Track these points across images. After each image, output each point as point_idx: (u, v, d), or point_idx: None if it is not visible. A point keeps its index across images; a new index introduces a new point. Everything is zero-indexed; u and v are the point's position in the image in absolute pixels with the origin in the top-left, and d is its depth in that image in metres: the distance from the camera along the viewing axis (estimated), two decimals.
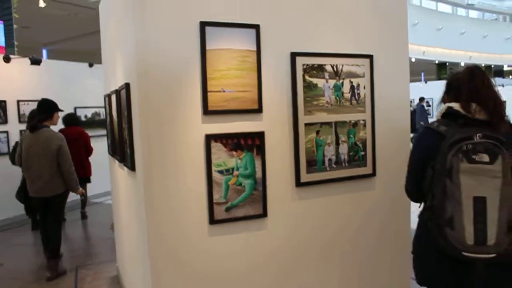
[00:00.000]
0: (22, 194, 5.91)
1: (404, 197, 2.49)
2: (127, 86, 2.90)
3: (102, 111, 8.32)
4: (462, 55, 27.24)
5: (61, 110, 5.20)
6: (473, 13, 31.18)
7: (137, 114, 2.68)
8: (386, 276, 3.29)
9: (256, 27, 2.81)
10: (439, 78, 25.76)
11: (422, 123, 14.17)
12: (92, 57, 10.39)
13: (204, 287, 2.75)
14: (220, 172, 2.72)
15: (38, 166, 4.73)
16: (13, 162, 5.91)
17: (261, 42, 2.83)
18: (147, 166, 2.61)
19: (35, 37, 15.38)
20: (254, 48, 2.81)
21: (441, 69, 27.90)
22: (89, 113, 8.76)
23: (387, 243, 3.29)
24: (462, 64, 26.57)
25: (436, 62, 27.41)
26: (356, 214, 3.18)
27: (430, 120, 5.77)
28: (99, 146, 7.21)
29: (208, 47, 2.69)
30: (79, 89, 8.56)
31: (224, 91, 2.74)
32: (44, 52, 17.90)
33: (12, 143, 7.40)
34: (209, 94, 2.70)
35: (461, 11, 30.31)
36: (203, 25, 2.68)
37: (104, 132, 8.26)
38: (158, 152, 2.63)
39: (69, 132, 6.53)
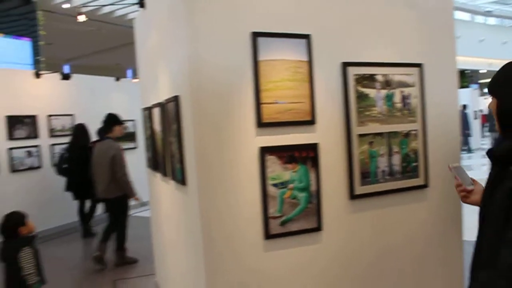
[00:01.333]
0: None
1: (456, 208, 2.38)
2: (175, 98, 2.87)
3: (129, 124, 8.36)
4: (482, 62, 26.94)
5: (122, 123, 5.69)
6: (491, 20, 30.89)
7: (190, 128, 2.64)
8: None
9: (307, 37, 2.77)
10: (461, 86, 25.51)
11: (467, 131, 13.92)
12: (113, 71, 10.50)
13: None
14: (275, 185, 2.66)
15: (99, 172, 5.50)
16: (59, 173, 6.94)
17: (313, 52, 2.78)
18: (200, 180, 2.57)
19: (57, 53, 15.62)
20: (305, 58, 2.76)
21: (462, 77, 27.63)
22: None
23: (439, 254, 3.19)
24: (483, 71, 26.31)
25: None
26: (409, 225, 3.09)
27: None
28: (128, 159, 7.21)
29: (260, 58, 2.65)
30: (106, 103, 8.60)
31: (277, 103, 2.68)
32: (66, 67, 18.16)
33: (44, 157, 7.48)
34: (262, 106, 2.65)
35: (478, 19, 30.06)
36: (255, 35, 2.64)
37: (132, 145, 8.31)
38: (212, 165, 2.58)
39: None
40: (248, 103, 2.63)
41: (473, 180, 2.11)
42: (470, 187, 2.06)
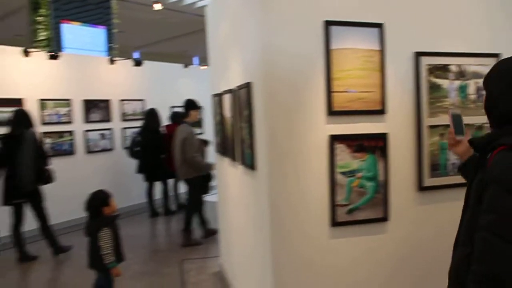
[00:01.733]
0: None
1: None
2: (248, 85, 2.95)
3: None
4: None
5: (198, 108, 5.89)
6: None
7: (261, 114, 2.72)
8: None
9: (380, 26, 2.76)
10: None
11: None
12: (180, 58, 10.79)
13: (324, 286, 2.74)
14: (343, 173, 2.69)
15: (176, 155, 5.84)
16: (131, 156, 7.31)
17: (385, 41, 2.77)
18: (270, 165, 2.65)
19: (128, 41, 16.20)
20: (377, 47, 2.76)
21: None
22: None
23: None
24: None
25: None
26: None
27: None
28: None
29: (332, 46, 2.68)
30: (174, 88, 8.90)
31: (348, 92, 2.71)
32: (136, 54, 18.80)
33: (116, 140, 7.87)
34: (333, 94, 2.68)
35: None
36: (328, 24, 2.66)
37: (198, 131, 8.50)
38: (282, 151, 2.65)
39: (170, 128, 6.95)
40: (319, 91, 2.67)
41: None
42: (459, 137, 2.06)
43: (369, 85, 2.74)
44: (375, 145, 2.75)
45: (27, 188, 5.21)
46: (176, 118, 7.00)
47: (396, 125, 2.81)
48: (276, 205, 2.66)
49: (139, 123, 7.95)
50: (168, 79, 8.86)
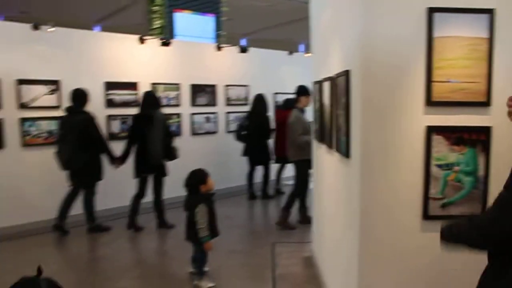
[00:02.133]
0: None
1: None
2: (346, 73, 2.96)
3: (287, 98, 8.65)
4: None
5: (308, 94, 5.90)
6: None
7: (357, 102, 2.72)
8: None
9: (491, 11, 2.60)
10: None
11: None
12: (286, 45, 10.89)
13: (411, 280, 2.70)
14: (439, 166, 2.61)
15: (288, 138, 6.11)
16: (238, 139, 7.62)
17: (495, 28, 2.61)
18: (364, 153, 2.65)
19: (236, 28, 16.70)
20: (486, 35, 2.61)
21: None
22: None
23: None
24: None
25: None
26: None
27: None
28: None
29: (435, 34, 2.58)
30: (278, 75, 9.04)
31: (449, 82, 2.60)
32: (243, 41, 19.32)
33: (220, 124, 8.23)
34: (433, 84, 2.60)
35: None
36: (431, 11, 2.57)
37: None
38: (376, 140, 2.64)
39: (280, 115, 7.15)
40: (418, 80, 2.61)
41: None
42: None
43: (474, 75, 2.61)
44: (476, 138, 2.62)
45: (155, 163, 5.78)
46: (288, 104, 7.15)
47: (502, 118, 2.63)
48: (367, 194, 2.66)
49: (242, 108, 8.24)
50: (272, 65, 9.02)
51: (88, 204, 5.90)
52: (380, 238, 2.69)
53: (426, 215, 2.65)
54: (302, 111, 6.06)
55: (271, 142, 7.67)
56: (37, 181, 6.10)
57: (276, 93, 8.83)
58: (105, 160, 5.85)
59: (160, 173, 5.97)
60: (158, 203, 6.07)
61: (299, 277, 4.35)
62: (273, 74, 8.97)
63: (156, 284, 4.27)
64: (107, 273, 4.59)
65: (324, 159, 4.08)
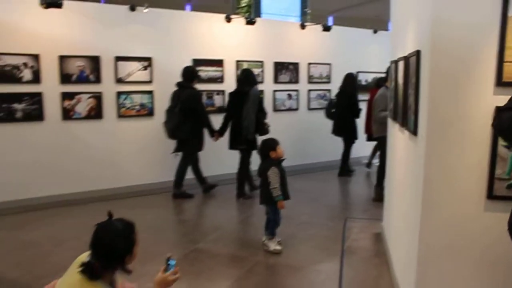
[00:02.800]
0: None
1: None
2: (417, 53, 3.00)
3: (378, 76, 8.56)
4: None
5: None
6: None
7: (426, 81, 2.77)
8: None
9: None
10: None
11: None
12: (373, 23, 10.68)
13: (470, 258, 2.74)
14: (507, 147, 2.60)
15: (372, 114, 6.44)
16: (327, 117, 7.84)
17: None
18: (430, 131, 2.71)
19: (322, 6, 16.58)
20: None
21: None
22: (369, 78, 9.13)
23: None
24: None
25: None
26: None
27: None
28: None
29: (511, 13, 2.55)
30: (362, 54, 8.98)
31: None
32: (331, 19, 19.13)
33: (301, 101, 8.39)
34: (505, 64, 2.58)
35: None
36: None
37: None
38: (444, 120, 2.68)
39: (372, 93, 7.22)
40: (489, 60, 2.60)
41: None
42: None
43: None
44: None
45: (248, 137, 6.17)
46: (379, 83, 7.17)
47: None
48: (432, 171, 2.73)
49: (324, 86, 8.35)
50: (356, 44, 8.96)
51: (182, 171, 6.43)
52: (442, 215, 2.75)
53: (491, 195, 2.66)
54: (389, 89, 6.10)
55: (360, 121, 7.84)
56: (130, 149, 6.70)
57: (359, 72, 8.79)
58: (206, 133, 6.40)
59: (250, 147, 6.32)
60: (242, 174, 6.45)
61: (367, 252, 4.48)
62: (357, 53, 8.93)
63: (231, 247, 4.61)
64: (189, 235, 5.02)
65: (396, 137, 4.13)
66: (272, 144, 4.43)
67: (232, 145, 6.39)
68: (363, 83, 9.00)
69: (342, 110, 7.65)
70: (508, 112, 1.94)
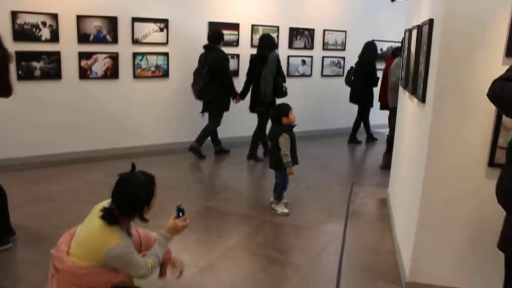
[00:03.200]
0: None
1: None
2: (430, 22, 3.04)
3: (394, 45, 8.51)
4: None
5: None
6: None
7: (436, 49, 2.83)
8: None
9: None
10: None
11: None
12: None
13: (469, 222, 2.86)
14: None
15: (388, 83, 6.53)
16: (346, 84, 7.92)
17: None
18: (437, 99, 2.79)
19: None
20: None
21: None
22: (385, 46, 9.08)
23: None
24: None
25: None
26: None
27: None
28: None
29: None
30: (378, 22, 8.90)
31: None
32: None
33: (315, 67, 8.41)
34: None
35: None
36: None
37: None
38: (452, 89, 2.76)
39: (388, 62, 7.15)
40: (500, 31, 2.65)
41: None
42: None
43: None
44: None
45: (266, 100, 6.34)
46: (395, 52, 7.16)
47: None
48: (437, 136, 2.83)
49: (339, 53, 8.34)
50: (372, 12, 8.88)
51: (208, 131, 6.66)
52: (444, 180, 2.87)
53: (492, 163, 2.76)
54: None
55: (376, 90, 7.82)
56: (145, 109, 6.83)
57: (375, 40, 8.72)
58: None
59: (269, 110, 6.39)
60: (257, 136, 6.65)
61: (370, 215, 4.63)
62: (373, 21, 8.86)
63: (241, 207, 4.77)
64: (201, 193, 5.20)
65: (406, 105, 4.20)
66: (285, 109, 4.47)
67: (252, 108, 6.60)
68: (379, 51, 8.95)
69: (360, 78, 7.69)
70: (501, 82, 2.03)
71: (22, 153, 5.93)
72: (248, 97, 6.65)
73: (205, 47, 6.46)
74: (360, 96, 7.83)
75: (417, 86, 3.41)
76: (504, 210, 2.14)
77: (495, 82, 2.10)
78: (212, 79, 6.30)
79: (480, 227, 2.86)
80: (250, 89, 6.59)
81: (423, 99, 3.13)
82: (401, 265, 3.43)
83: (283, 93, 6.44)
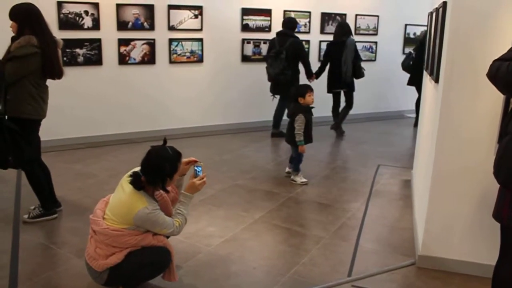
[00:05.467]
0: None
1: None
2: (444, 4, 3.15)
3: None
4: None
5: None
6: None
7: (449, 32, 2.94)
8: None
9: None
10: None
11: None
12: None
13: (474, 197, 3.00)
14: None
15: None
16: (403, 69, 8.02)
17: None
18: (448, 80, 2.92)
19: None
20: None
21: None
22: (418, 31, 9.02)
23: None
24: None
25: None
26: None
27: None
28: None
29: None
30: (411, 7, 8.83)
31: None
32: None
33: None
34: None
35: None
36: None
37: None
38: (462, 70, 2.88)
39: None
40: (509, 11, 2.74)
41: None
42: None
43: None
44: None
45: (346, 81, 7.14)
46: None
47: None
48: (447, 111, 2.96)
49: (371, 38, 8.37)
50: None
51: (281, 112, 7.09)
52: (453, 157, 3.01)
53: (501, 140, 2.86)
54: None
55: None
56: (181, 93, 7.15)
57: (407, 25, 8.72)
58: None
59: (351, 89, 7.34)
60: (345, 112, 7.49)
61: (393, 195, 4.76)
62: (406, 5, 8.79)
63: (264, 184, 5.01)
64: (229, 173, 5.44)
65: (427, 86, 4.30)
66: (302, 91, 4.79)
67: (330, 89, 7.35)
68: (411, 36, 8.93)
69: (416, 62, 7.57)
70: (498, 62, 2.15)
71: (64, 135, 6.36)
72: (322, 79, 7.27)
73: (280, 33, 6.89)
74: (417, 79, 7.48)
75: (433, 67, 3.52)
76: (497, 181, 2.28)
77: (494, 62, 2.22)
78: (289, 64, 6.69)
79: (487, 202, 2.97)
80: (327, 71, 7.28)
81: (437, 80, 3.25)
82: (416, 239, 3.58)
83: (362, 74, 7.21)
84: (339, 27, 7.28)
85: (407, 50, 8.05)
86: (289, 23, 6.97)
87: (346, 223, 4.04)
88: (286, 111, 6.65)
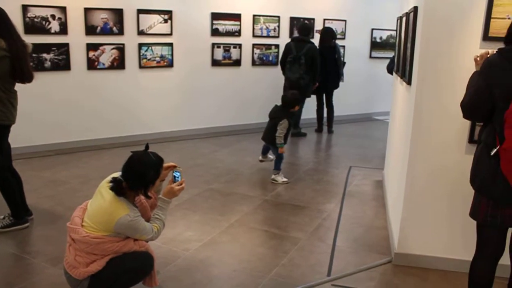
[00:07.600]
0: None
1: None
2: (415, 9, 3.25)
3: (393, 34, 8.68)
4: None
5: None
6: None
7: (419, 34, 3.04)
8: None
9: None
10: None
11: None
12: None
13: (449, 193, 3.10)
14: None
15: None
16: (389, 72, 7.93)
17: None
18: (421, 80, 3.01)
19: None
20: None
21: None
22: (384, 35, 9.24)
23: None
24: None
25: None
26: None
27: None
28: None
29: None
30: (378, 11, 9.04)
31: (509, 18, 2.81)
32: None
33: None
34: (492, 20, 2.82)
35: None
36: None
37: (392, 54, 8.66)
38: (435, 70, 2.98)
39: None
40: (477, 17, 2.85)
41: None
42: None
43: None
44: None
45: (330, 84, 7.64)
46: None
47: None
48: (420, 115, 3.05)
49: (339, 42, 8.50)
50: (371, 1, 9.02)
51: (298, 115, 7.37)
52: (427, 157, 3.10)
53: (472, 139, 2.98)
54: None
55: None
56: (150, 98, 7.08)
57: (373, 29, 8.91)
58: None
59: (330, 92, 7.84)
60: (328, 112, 7.94)
61: (366, 196, 4.86)
62: (371, 9, 9.00)
63: (239, 187, 5.01)
64: (204, 177, 5.42)
65: (397, 88, 4.41)
66: (294, 101, 5.19)
67: (323, 90, 7.77)
68: (378, 40, 9.13)
69: None
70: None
71: (32, 142, 6.19)
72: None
73: (296, 39, 7.20)
74: None
75: (405, 70, 3.63)
76: (472, 188, 2.39)
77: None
78: (307, 69, 7.01)
79: (460, 200, 3.07)
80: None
81: (409, 82, 3.34)
82: (391, 238, 3.67)
83: (340, 79, 7.76)
84: (327, 33, 7.61)
85: (374, 54, 8.19)
86: (305, 29, 7.31)
87: (322, 224, 4.10)
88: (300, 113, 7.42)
